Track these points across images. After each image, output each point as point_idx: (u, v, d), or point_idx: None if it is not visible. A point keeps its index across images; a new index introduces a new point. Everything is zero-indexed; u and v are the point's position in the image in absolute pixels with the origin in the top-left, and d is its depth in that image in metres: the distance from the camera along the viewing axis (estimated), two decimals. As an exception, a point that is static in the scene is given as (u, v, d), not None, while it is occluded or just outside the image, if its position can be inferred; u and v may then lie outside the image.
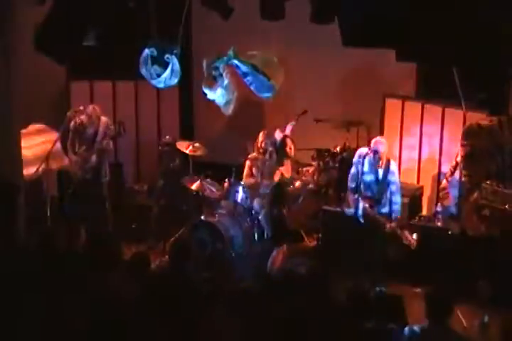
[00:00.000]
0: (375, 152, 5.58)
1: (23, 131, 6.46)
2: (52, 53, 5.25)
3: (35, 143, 6.84)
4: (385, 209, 5.62)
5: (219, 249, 6.16)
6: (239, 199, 6.44)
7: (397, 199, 5.65)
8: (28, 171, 6.18)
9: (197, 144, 6.74)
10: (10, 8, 5.11)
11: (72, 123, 6.48)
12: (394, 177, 5.65)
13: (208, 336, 3.71)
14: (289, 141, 5.67)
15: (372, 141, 5.72)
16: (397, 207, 5.65)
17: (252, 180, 6.63)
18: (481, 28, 5.11)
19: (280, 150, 5.65)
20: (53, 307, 3.85)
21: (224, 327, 3.73)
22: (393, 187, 5.64)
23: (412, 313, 4.00)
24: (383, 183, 5.60)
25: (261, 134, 6.58)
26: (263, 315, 3.78)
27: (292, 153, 5.75)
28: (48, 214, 6.16)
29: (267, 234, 6.46)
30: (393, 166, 5.71)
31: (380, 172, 5.62)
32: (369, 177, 5.66)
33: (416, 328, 3.66)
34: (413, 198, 6.45)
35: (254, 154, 6.66)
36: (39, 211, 6.26)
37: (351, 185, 5.70)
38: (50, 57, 5.33)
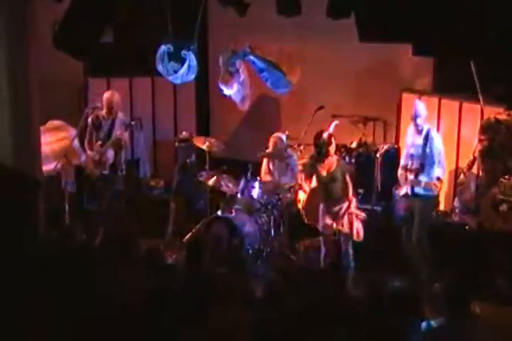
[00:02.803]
0: (416, 117, 5.51)
1: (42, 127, 6.53)
2: (71, 50, 5.29)
3: (54, 140, 6.92)
4: (427, 178, 5.51)
5: (235, 244, 6.19)
6: (255, 195, 6.45)
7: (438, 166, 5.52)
8: (47, 167, 6.25)
9: (213, 140, 6.76)
10: (29, 6, 5.17)
11: (90, 118, 6.55)
12: (434, 144, 5.54)
13: (222, 332, 3.73)
14: (333, 140, 5.65)
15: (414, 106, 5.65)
16: (439, 172, 5.52)
17: (268, 177, 6.63)
18: (499, 21, 5.07)
19: (323, 148, 5.62)
20: (69, 301, 3.89)
21: (239, 323, 3.75)
22: (435, 153, 5.53)
23: (428, 309, 3.98)
24: (424, 151, 5.51)
25: (272, 137, 6.55)
26: (279, 310, 3.79)
27: (333, 152, 5.70)
28: (67, 209, 6.23)
29: (283, 230, 6.47)
30: (434, 133, 5.62)
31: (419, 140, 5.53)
32: (413, 150, 5.60)
33: (433, 324, 3.66)
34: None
35: (271, 150, 6.66)
36: (58, 207, 6.33)
37: (403, 163, 5.66)
38: (69, 54, 5.37)
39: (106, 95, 6.48)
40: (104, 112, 6.49)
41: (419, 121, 5.58)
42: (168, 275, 4.30)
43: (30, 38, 5.19)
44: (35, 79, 5.29)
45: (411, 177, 5.55)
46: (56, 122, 7.18)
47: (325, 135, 5.58)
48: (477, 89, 6.03)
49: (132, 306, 3.90)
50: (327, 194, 5.66)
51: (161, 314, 3.81)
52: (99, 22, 5.08)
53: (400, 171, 5.71)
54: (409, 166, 5.62)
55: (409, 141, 5.70)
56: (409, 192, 5.56)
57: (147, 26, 6.78)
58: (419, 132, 5.59)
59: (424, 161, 5.53)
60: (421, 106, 5.70)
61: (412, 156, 5.62)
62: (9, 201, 4.83)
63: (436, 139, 5.61)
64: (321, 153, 5.56)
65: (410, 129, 5.74)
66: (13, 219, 4.77)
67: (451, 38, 5.26)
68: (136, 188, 7.40)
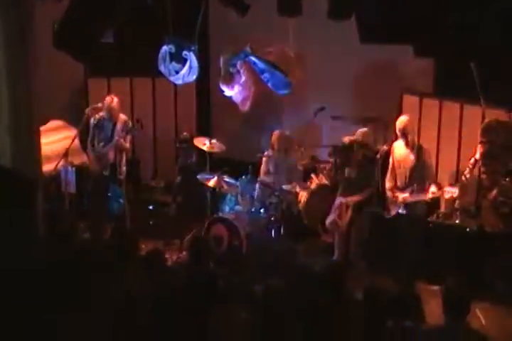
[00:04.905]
0: (406, 133, 5.53)
1: (43, 127, 6.53)
2: (71, 50, 5.29)
3: (54, 140, 6.92)
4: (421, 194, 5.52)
5: (236, 245, 6.18)
6: (256, 196, 6.45)
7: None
8: (47, 167, 6.25)
9: (214, 141, 6.76)
10: (29, 5, 5.16)
11: (92, 119, 6.55)
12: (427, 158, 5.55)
13: (223, 332, 3.73)
14: (354, 147, 5.74)
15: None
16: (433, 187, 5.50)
17: (268, 178, 6.63)
18: (500, 23, 5.06)
19: (344, 154, 5.74)
20: (70, 303, 3.89)
21: (240, 323, 3.75)
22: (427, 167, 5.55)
23: (429, 311, 3.98)
24: (417, 166, 5.50)
25: (276, 133, 6.57)
26: (280, 311, 3.79)
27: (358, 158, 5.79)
28: (67, 210, 6.23)
29: (283, 231, 6.47)
30: (424, 148, 5.64)
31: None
32: (402, 168, 5.59)
33: (433, 326, 3.65)
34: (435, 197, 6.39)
35: (271, 151, 6.66)
36: (58, 207, 6.33)
37: (391, 184, 5.64)
38: (69, 53, 5.37)
39: (106, 101, 6.49)
40: (105, 114, 6.50)
41: (410, 136, 5.57)
42: (168, 276, 4.30)
43: (30, 38, 5.19)
44: (35, 79, 5.28)
45: (403, 195, 5.52)
46: (57, 122, 7.18)
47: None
48: (478, 91, 6.02)
49: (134, 306, 3.90)
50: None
51: (162, 314, 3.81)
52: (99, 22, 5.08)
53: (388, 193, 5.66)
54: (399, 184, 5.59)
55: (397, 159, 5.64)
56: (400, 211, 5.54)
57: (148, 26, 6.77)
58: (411, 148, 5.59)
59: (417, 177, 5.50)
60: (409, 122, 5.68)
61: (401, 174, 5.59)
62: (7, 201, 4.82)
63: (428, 153, 5.63)
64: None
65: (399, 147, 5.68)
66: (11, 220, 4.77)
67: (453, 39, 5.25)
68: (136, 189, 7.39)
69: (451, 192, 5.73)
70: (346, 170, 5.86)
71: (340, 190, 5.90)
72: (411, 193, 5.50)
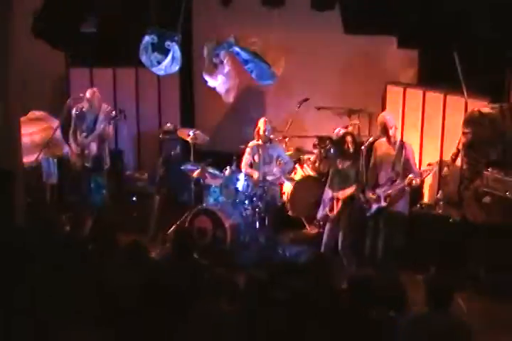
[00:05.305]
0: (388, 129, 5.50)
1: (23, 118, 6.44)
2: (51, 40, 5.22)
3: (35, 131, 6.83)
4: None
5: (219, 236, 6.16)
6: (240, 187, 6.43)
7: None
8: (28, 159, 6.17)
9: (198, 132, 6.72)
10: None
11: (74, 110, 6.47)
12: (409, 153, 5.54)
13: (209, 324, 3.72)
14: (348, 139, 5.71)
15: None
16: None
17: (250, 169, 6.60)
18: (482, 15, 5.08)
19: (338, 146, 5.72)
20: (50, 293, 3.85)
21: (225, 314, 3.73)
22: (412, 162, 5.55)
23: (412, 300, 4.00)
24: (400, 162, 5.49)
25: (261, 121, 6.55)
26: (264, 302, 3.78)
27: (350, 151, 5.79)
28: (48, 201, 6.16)
29: (268, 222, 6.46)
30: (407, 143, 5.63)
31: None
32: (385, 165, 5.57)
33: (416, 315, 3.67)
34: (414, 185, 6.42)
35: (255, 141, 6.63)
36: (38, 198, 6.26)
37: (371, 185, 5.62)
38: (47, 42, 5.30)
39: (87, 94, 6.42)
40: (87, 105, 6.43)
41: (391, 132, 5.56)
42: (152, 268, 4.27)
43: (10, 28, 5.10)
44: (14, 68, 5.20)
45: (383, 190, 5.50)
46: (37, 113, 7.09)
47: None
48: (461, 82, 6.04)
49: (117, 299, 3.87)
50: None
51: (147, 307, 3.79)
52: (77, 11, 5.01)
53: (369, 194, 5.59)
54: (380, 182, 5.58)
55: (379, 156, 5.62)
56: (382, 204, 5.54)
57: (131, 16, 6.69)
58: (393, 144, 5.58)
59: (401, 172, 5.50)
60: (391, 118, 5.67)
61: (383, 171, 5.58)
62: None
63: (411, 150, 5.63)
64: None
65: (380, 143, 5.67)
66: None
67: (436, 30, 5.26)
68: (119, 180, 7.33)
69: (428, 170, 5.67)
70: (339, 163, 5.85)
71: (330, 182, 5.88)
72: (390, 186, 5.50)
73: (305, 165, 7.03)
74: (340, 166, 5.82)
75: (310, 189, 6.70)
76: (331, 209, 5.81)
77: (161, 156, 6.87)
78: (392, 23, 5.45)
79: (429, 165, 5.62)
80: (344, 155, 5.79)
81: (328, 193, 5.89)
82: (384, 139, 5.68)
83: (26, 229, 5.02)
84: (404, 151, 5.55)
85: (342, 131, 6.04)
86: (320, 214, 5.92)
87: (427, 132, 6.72)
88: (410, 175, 5.46)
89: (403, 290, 3.88)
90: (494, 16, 5.09)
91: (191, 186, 6.61)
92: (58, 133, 6.72)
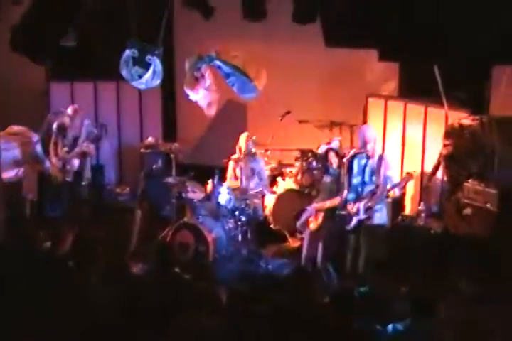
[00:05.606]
0: (366, 144, 5.50)
1: (2, 133, 6.39)
2: (30, 54, 5.18)
3: (15, 145, 6.75)
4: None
5: (201, 251, 6.12)
6: (222, 201, 6.40)
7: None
8: (8, 174, 6.10)
9: (179, 146, 6.70)
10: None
11: (54, 125, 6.43)
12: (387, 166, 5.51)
13: (191, 339, 3.67)
14: (331, 155, 5.78)
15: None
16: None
17: (235, 182, 6.59)
18: (462, 27, 5.13)
19: (322, 163, 5.79)
20: (32, 310, 3.79)
21: (207, 329, 3.69)
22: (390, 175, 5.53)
23: (395, 312, 3.98)
24: (378, 175, 5.46)
25: (243, 135, 6.55)
26: (247, 316, 3.75)
27: (334, 166, 5.79)
28: (28, 216, 6.09)
29: (250, 235, 6.43)
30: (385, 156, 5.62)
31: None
32: (358, 179, 5.57)
33: (399, 326, 3.65)
34: (396, 198, 6.45)
35: (237, 155, 6.62)
36: (18, 214, 6.18)
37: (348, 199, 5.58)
38: (28, 57, 5.26)
39: (69, 111, 6.42)
40: (67, 120, 6.41)
41: (369, 147, 5.55)
42: (134, 283, 4.22)
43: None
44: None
45: (363, 205, 5.44)
46: (16, 127, 7.01)
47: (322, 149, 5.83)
48: (441, 95, 6.10)
49: (98, 315, 3.81)
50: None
51: (128, 322, 3.73)
52: (57, 24, 4.98)
53: (350, 207, 5.54)
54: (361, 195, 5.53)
55: (357, 170, 5.59)
56: (362, 217, 5.51)
57: (111, 30, 6.68)
58: (370, 157, 5.57)
59: (381, 184, 5.47)
60: (370, 131, 5.66)
61: (362, 184, 5.54)
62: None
63: (387, 165, 5.61)
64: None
65: (359, 157, 5.61)
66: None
67: (416, 43, 5.31)
68: (100, 195, 7.27)
69: (406, 177, 5.65)
70: (324, 178, 5.92)
71: (319, 197, 5.99)
72: (370, 199, 5.48)
73: (287, 178, 7.03)
74: (324, 181, 5.86)
75: (292, 201, 6.69)
76: (312, 219, 5.84)
77: (143, 170, 6.84)
78: (372, 36, 5.49)
79: (407, 173, 5.62)
80: (327, 170, 5.85)
81: (313, 206, 5.93)
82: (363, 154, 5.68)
83: (6, 245, 4.94)
84: (381, 167, 5.53)
85: (325, 148, 6.10)
86: (299, 222, 5.96)
87: (408, 144, 6.76)
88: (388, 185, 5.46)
89: (386, 302, 3.87)
90: (474, 29, 5.15)
91: (173, 200, 6.57)
92: (38, 147, 6.66)
